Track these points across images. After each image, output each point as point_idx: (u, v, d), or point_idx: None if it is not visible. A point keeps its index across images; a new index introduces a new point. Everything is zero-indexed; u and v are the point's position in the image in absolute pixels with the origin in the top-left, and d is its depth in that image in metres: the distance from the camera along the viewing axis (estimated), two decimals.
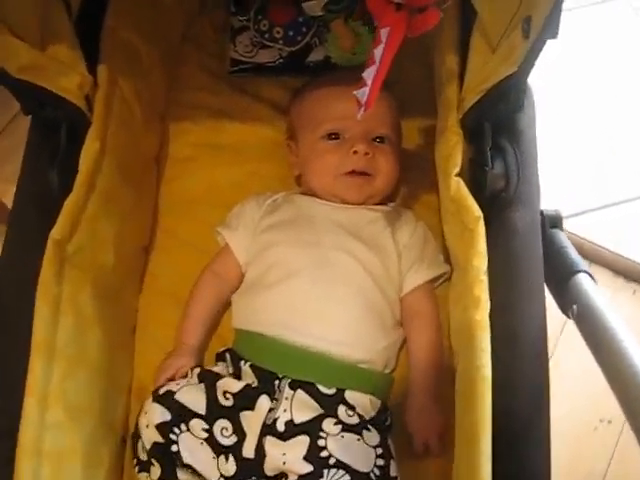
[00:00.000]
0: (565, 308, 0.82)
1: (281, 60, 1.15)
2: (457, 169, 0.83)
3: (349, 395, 0.84)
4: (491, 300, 0.76)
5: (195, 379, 0.87)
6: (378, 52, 0.60)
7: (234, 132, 1.12)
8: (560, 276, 0.84)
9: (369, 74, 0.61)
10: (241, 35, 1.16)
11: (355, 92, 0.62)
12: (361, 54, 1.12)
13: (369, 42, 1.12)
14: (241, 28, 1.16)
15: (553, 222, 0.89)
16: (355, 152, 0.94)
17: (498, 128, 0.83)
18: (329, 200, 0.98)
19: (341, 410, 0.83)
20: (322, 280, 0.89)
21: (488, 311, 0.75)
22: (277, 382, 0.84)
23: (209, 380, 0.86)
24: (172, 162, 1.11)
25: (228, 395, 0.84)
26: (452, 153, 0.84)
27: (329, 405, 0.83)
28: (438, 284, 0.99)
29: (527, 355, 0.78)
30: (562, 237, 0.90)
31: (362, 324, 0.88)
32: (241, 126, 1.12)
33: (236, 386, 0.84)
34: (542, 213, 0.88)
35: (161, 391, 0.85)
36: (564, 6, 0.61)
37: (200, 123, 1.12)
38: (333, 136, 0.97)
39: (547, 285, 0.84)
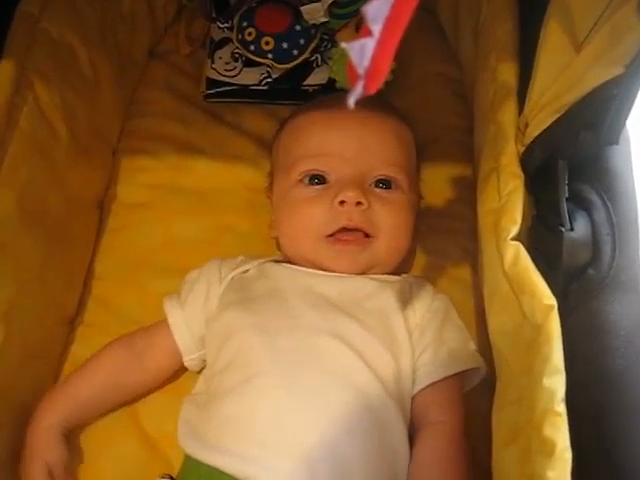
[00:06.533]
0: None
1: (270, 80, 0.94)
2: (515, 230, 0.60)
3: None
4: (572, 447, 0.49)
5: None
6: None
7: (204, 173, 0.91)
8: None
9: (377, 14, 0.31)
10: (221, 49, 0.97)
11: (346, 45, 0.32)
12: None
13: None
14: (222, 40, 0.97)
15: None
16: (342, 202, 0.70)
17: (579, 169, 0.60)
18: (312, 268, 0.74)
19: None
20: (302, 381, 0.63)
21: (570, 467, 0.48)
22: None
23: None
24: (119, 208, 0.91)
25: None
26: (507, 205, 0.62)
27: None
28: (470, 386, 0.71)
29: None
30: None
31: (365, 452, 0.61)
32: (214, 165, 0.91)
33: None
34: None
35: None
36: None
37: (161, 159, 0.92)
38: (316, 180, 0.74)
39: None
